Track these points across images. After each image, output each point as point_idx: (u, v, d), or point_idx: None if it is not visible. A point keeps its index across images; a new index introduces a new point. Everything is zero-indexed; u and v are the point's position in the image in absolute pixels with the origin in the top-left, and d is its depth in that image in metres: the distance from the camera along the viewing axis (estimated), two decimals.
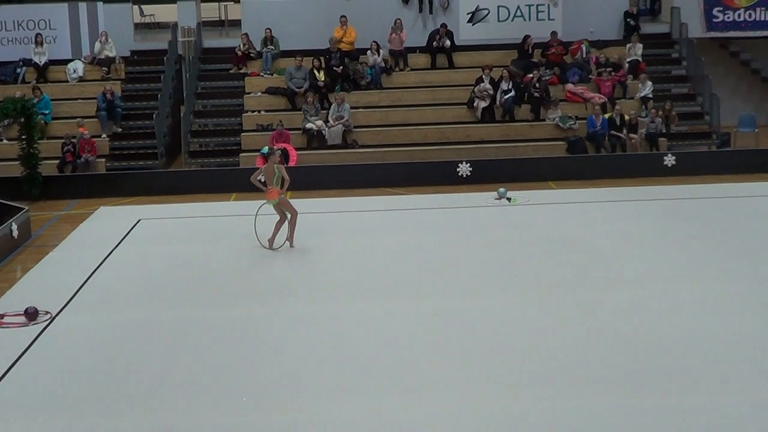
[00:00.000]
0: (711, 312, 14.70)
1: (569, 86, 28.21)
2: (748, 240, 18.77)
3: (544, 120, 27.53)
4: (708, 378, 12.30)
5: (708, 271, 16.83)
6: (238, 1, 31.71)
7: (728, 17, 30.49)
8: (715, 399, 11.66)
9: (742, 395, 11.76)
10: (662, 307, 14.96)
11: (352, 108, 27.23)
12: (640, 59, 28.97)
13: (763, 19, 30.46)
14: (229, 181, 24.49)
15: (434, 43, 29.31)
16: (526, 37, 29.05)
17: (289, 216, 18.78)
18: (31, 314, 15.07)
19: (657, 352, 13.19)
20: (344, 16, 28.96)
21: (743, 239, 18.81)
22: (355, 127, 27.10)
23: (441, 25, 29.44)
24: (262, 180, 18.89)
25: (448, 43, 29.24)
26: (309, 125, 26.70)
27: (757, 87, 31.98)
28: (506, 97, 27.53)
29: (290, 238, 18.81)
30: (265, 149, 25.16)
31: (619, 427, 11.02)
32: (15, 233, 19.59)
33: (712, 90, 28.16)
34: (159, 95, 28.17)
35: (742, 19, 30.49)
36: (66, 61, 29.19)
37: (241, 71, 29.17)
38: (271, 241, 18.76)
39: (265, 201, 18.82)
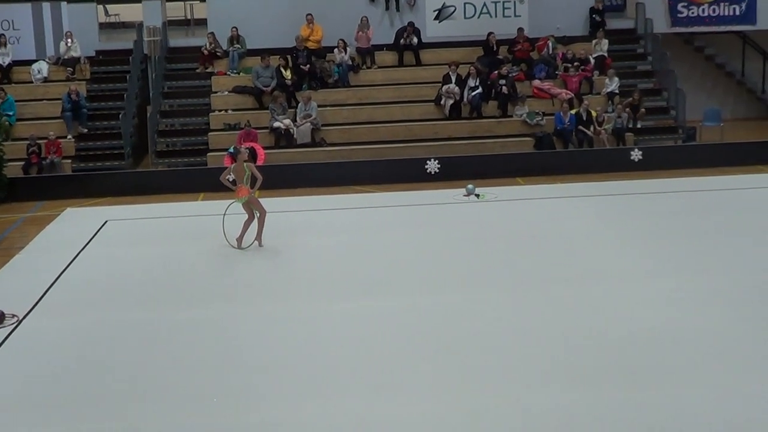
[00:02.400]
0: (681, 306, 14.75)
1: (536, 82, 28.30)
2: (715, 234, 18.86)
3: (511, 116, 27.60)
4: (678, 371, 12.35)
5: (676, 266, 16.89)
6: (204, 0, 31.58)
7: (693, 12, 30.67)
8: (685, 391, 11.71)
9: (710, 388, 11.82)
10: (632, 302, 15.01)
11: (319, 106, 27.20)
12: (606, 55, 29.10)
13: (727, 14, 30.66)
14: (197, 180, 24.40)
15: (401, 41, 29.30)
16: (490, 34, 29.09)
17: (257, 215, 18.72)
18: None
19: (627, 346, 13.23)
20: (310, 14, 28.92)
21: (710, 233, 18.91)
22: (322, 125, 27.08)
23: (408, 24, 29.43)
24: (231, 179, 18.81)
25: (415, 40, 29.27)
26: (276, 124, 26.66)
27: (721, 81, 32.21)
28: (473, 93, 27.59)
29: (259, 237, 18.75)
30: (233, 148, 25.19)
31: (591, 421, 11.05)
32: None
33: (678, 85, 28.32)
34: (125, 95, 28.08)
35: (706, 14, 30.67)
36: (30, 62, 29.00)
37: (208, 70, 29.08)
38: (240, 240, 18.69)
39: (233, 200, 18.75)
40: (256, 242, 18.73)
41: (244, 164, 18.71)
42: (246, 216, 18.80)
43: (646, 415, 11.13)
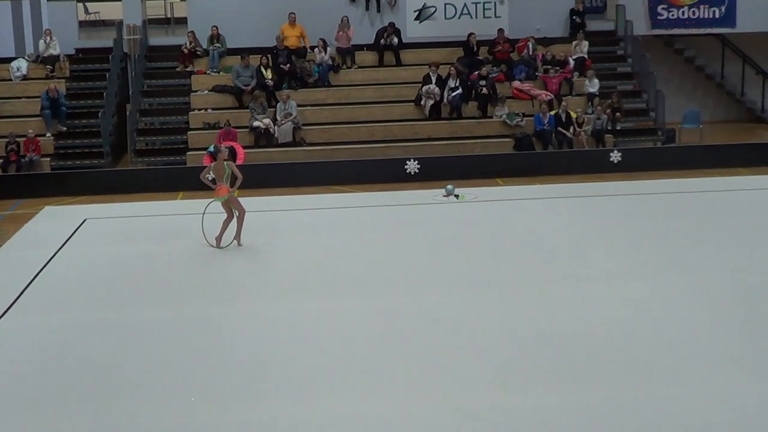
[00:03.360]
0: (660, 306, 14.82)
1: (516, 83, 28.37)
2: (694, 235, 18.96)
3: (491, 117, 27.66)
4: (660, 371, 12.41)
5: (655, 266, 16.97)
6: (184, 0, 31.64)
7: (672, 15, 30.81)
8: (666, 391, 11.76)
9: (692, 387, 11.88)
10: (612, 303, 15.08)
11: (300, 106, 27.21)
12: (586, 56, 29.19)
13: (707, 16, 30.82)
14: (176, 179, 24.41)
15: (381, 41, 29.34)
16: (470, 34, 29.15)
17: (237, 214, 18.70)
18: None
19: (607, 346, 13.29)
20: (293, 13, 28.92)
21: (690, 234, 19.00)
22: (303, 125, 27.08)
23: (388, 24, 29.47)
24: (211, 177, 18.79)
25: (395, 40, 29.30)
26: (256, 123, 26.66)
27: (701, 84, 32.33)
28: (453, 94, 27.64)
29: (238, 236, 18.73)
30: (212, 147, 25.19)
31: (573, 420, 11.09)
32: None
33: (657, 87, 28.44)
34: (104, 93, 28.04)
35: (686, 16, 30.83)
36: (9, 59, 28.90)
37: (188, 69, 29.04)
38: (219, 239, 18.67)
39: (213, 198, 18.74)
40: (235, 242, 18.72)
41: (225, 163, 18.69)
42: (225, 215, 18.79)
43: (628, 415, 11.18)
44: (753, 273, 16.53)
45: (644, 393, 11.75)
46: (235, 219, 18.74)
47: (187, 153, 26.44)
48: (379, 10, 30.08)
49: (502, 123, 27.39)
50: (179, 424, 11.32)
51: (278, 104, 27.04)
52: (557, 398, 11.70)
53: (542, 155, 26.25)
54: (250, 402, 11.87)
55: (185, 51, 29.13)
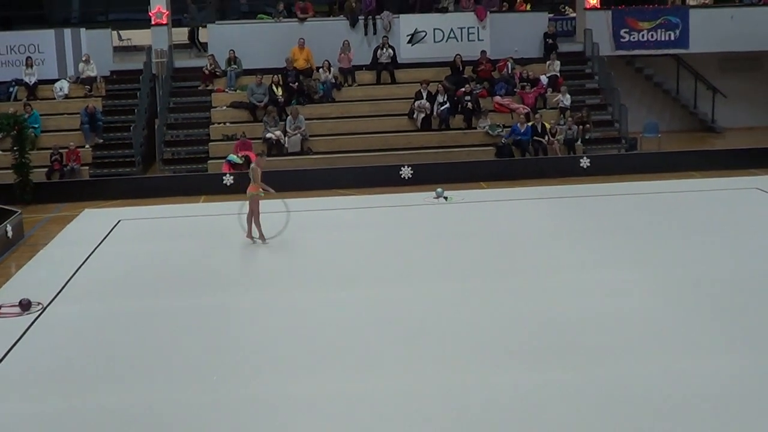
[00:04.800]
0: (620, 294, 14.88)
1: (497, 98, 28.36)
2: (654, 231, 19.00)
3: (475, 128, 27.66)
4: (622, 351, 12.49)
5: (618, 259, 17.01)
6: (206, 27, 31.60)
7: (634, 38, 30.83)
8: (627, 370, 11.85)
9: (651, 366, 11.95)
10: (581, 291, 15.12)
11: (306, 119, 27.20)
12: (558, 74, 29.19)
13: (663, 39, 30.84)
14: (199, 185, 24.51)
15: (378, 52, 29.34)
16: (456, 55, 29.21)
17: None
18: (25, 305, 15.00)
19: (576, 329, 13.36)
20: (302, 39, 28.96)
21: (650, 230, 19.05)
22: (309, 136, 27.07)
23: (383, 38, 29.56)
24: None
25: (390, 52, 29.31)
26: (269, 135, 26.67)
27: (659, 98, 32.31)
28: (442, 108, 27.64)
29: (250, 233, 18.79)
30: (231, 156, 25.28)
31: (543, 395, 11.17)
32: (10, 234, 19.44)
33: (621, 101, 28.42)
34: (136, 110, 28.02)
35: (645, 39, 30.84)
36: (53, 81, 28.89)
37: (208, 88, 29.03)
38: (249, 233, 18.74)
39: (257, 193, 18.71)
40: (258, 237, 18.76)
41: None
42: (254, 212, 18.80)
43: (594, 390, 11.27)
44: (704, 264, 16.60)
45: (609, 370, 11.83)
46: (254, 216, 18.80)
47: (208, 161, 26.44)
48: (375, 34, 30.07)
49: (485, 133, 27.38)
50: (203, 399, 11.41)
51: (288, 118, 27.05)
52: (534, 375, 11.77)
53: (520, 161, 26.23)
54: (264, 379, 11.98)
55: (206, 72, 29.14)
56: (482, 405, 11.02)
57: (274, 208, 19.10)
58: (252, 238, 18.75)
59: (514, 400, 11.10)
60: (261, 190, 18.66)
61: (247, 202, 18.74)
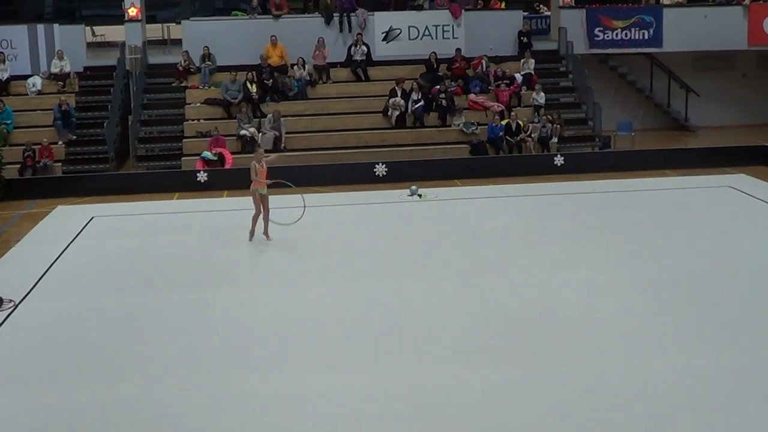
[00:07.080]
0: (598, 292, 14.94)
1: (471, 96, 28.45)
2: (627, 229, 19.11)
3: (450, 126, 27.74)
4: (592, 349, 12.54)
5: (593, 257, 17.09)
6: (179, 23, 31.51)
7: (608, 36, 31.00)
8: (602, 368, 11.89)
9: (625, 363, 12.01)
10: (556, 288, 15.18)
11: (281, 116, 27.17)
12: (532, 72, 29.31)
13: (637, 38, 31.03)
14: (173, 182, 24.41)
15: (352, 49, 29.38)
16: (431, 53, 29.26)
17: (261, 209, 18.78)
18: None
19: (550, 327, 13.40)
20: (275, 36, 28.94)
21: (624, 228, 19.15)
22: (285, 133, 27.06)
23: (357, 35, 29.58)
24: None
25: (365, 49, 29.34)
26: (243, 132, 26.66)
27: (632, 96, 32.53)
28: (416, 106, 27.71)
29: (253, 231, 18.82)
30: (205, 153, 25.21)
31: (512, 394, 11.21)
32: None
33: (595, 99, 28.59)
34: (109, 106, 27.93)
35: (619, 37, 31.02)
36: (26, 77, 28.76)
37: (182, 84, 28.99)
38: (252, 233, 18.72)
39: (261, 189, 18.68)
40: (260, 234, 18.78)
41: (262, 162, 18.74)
42: (253, 211, 18.80)
43: (569, 388, 11.29)
44: (678, 261, 16.69)
45: (584, 368, 11.86)
46: (261, 214, 18.81)
47: (182, 158, 26.41)
48: (350, 31, 30.09)
49: (460, 131, 27.48)
50: (181, 396, 11.40)
51: (268, 116, 27.02)
52: (508, 373, 11.81)
53: (494, 159, 26.31)
54: (241, 375, 11.96)
55: (180, 68, 29.09)
56: (453, 403, 11.01)
57: (289, 203, 19.11)
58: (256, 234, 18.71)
59: (486, 398, 11.12)
60: (260, 186, 18.59)
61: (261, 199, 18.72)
